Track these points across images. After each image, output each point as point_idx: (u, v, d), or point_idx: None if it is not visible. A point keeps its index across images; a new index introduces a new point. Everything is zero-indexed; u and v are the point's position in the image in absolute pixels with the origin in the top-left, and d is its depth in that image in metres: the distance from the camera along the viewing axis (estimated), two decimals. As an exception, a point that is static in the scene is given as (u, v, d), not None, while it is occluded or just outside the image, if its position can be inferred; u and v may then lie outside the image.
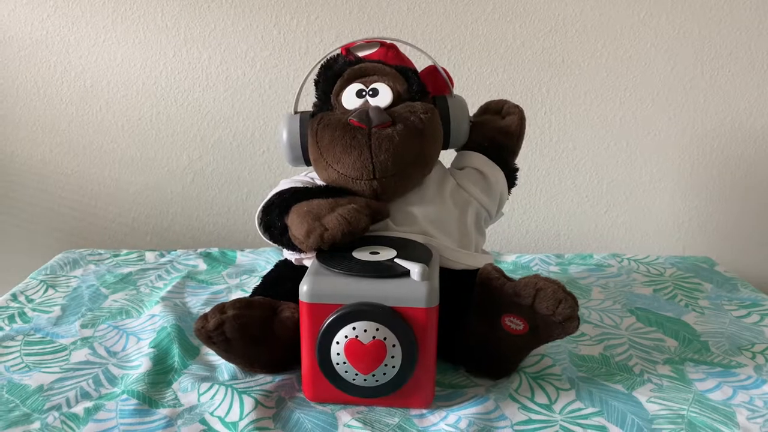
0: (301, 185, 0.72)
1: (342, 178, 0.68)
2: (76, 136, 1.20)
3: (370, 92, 0.70)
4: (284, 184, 0.73)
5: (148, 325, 0.80)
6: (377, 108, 0.68)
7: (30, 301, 0.87)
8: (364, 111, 0.67)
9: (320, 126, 0.69)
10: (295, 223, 0.64)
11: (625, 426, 0.60)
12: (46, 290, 0.91)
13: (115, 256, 1.07)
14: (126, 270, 1.00)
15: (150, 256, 1.07)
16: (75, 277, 0.97)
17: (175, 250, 1.10)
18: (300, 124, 0.72)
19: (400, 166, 0.67)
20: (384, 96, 0.70)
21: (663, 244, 1.26)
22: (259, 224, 0.72)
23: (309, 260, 0.72)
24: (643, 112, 1.20)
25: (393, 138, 0.66)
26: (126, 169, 1.22)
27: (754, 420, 0.60)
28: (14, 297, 0.88)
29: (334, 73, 0.73)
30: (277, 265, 0.80)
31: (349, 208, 0.62)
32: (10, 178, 1.22)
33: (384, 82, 0.71)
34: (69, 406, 0.62)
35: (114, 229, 1.25)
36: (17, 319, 0.81)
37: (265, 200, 0.72)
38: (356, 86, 0.71)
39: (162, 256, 1.07)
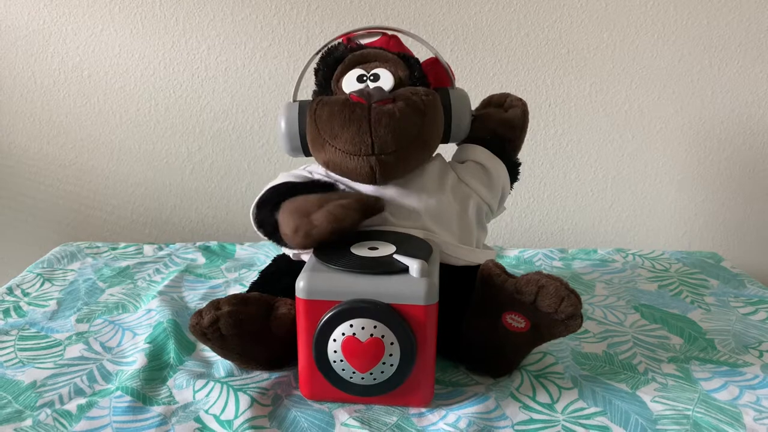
0: (298, 180, 0.71)
1: (339, 154, 0.66)
2: (74, 127, 1.19)
3: (372, 77, 0.69)
4: (281, 178, 0.72)
5: (145, 319, 0.79)
6: (378, 87, 0.67)
7: (26, 294, 0.86)
8: (364, 88, 0.66)
9: (319, 105, 0.67)
10: (285, 219, 0.63)
11: (629, 426, 0.58)
12: (42, 284, 0.90)
13: (113, 249, 1.06)
14: (124, 263, 0.99)
15: (148, 249, 1.06)
16: (72, 270, 0.96)
17: (174, 244, 1.09)
18: (299, 113, 0.71)
19: (399, 143, 0.65)
20: (385, 81, 0.69)
21: (668, 238, 1.25)
22: (254, 220, 0.71)
23: (307, 255, 0.71)
24: (649, 105, 1.18)
25: (393, 114, 0.64)
26: (124, 161, 1.21)
27: (761, 421, 0.59)
28: (10, 290, 0.87)
29: (334, 60, 0.72)
30: (275, 260, 0.79)
31: (338, 204, 0.60)
32: (8, 170, 1.21)
33: (385, 68, 0.70)
34: (62, 402, 0.61)
35: (112, 222, 1.24)
36: (12, 313, 0.80)
37: (259, 195, 0.71)
38: (357, 71, 0.70)
39: (160, 249, 1.06)
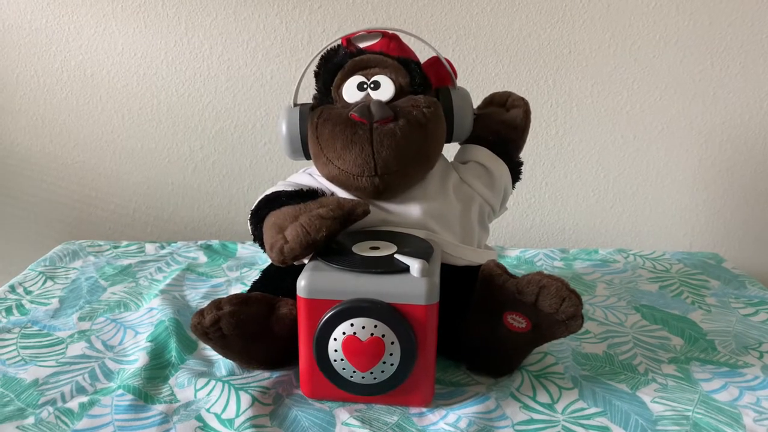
0: (291, 188, 0.70)
1: (343, 174, 0.67)
2: (77, 126, 1.19)
3: (372, 85, 0.69)
4: (278, 186, 0.72)
5: (146, 318, 0.79)
6: (379, 102, 0.66)
7: (28, 292, 0.87)
8: (365, 105, 0.66)
9: (320, 120, 0.67)
10: (265, 235, 0.63)
11: (629, 427, 0.58)
12: (44, 282, 0.91)
13: (115, 247, 1.06)
14: (126, 262, 0.99)
15: (150, 248, 1.06)
16: (74, 268, 0.96)
17: (176, 242, 1.09)
18: (299, 117, 0.71)
19: (402, 163, 0.65)
20: (386, 89, 0.68)
21: (670, 239, 1.25)
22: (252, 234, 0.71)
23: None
24: (651, 105, 1.18)
25: (395, 134, 0.64)
26: (126, 160, 1.21)
27: (761, 422, 0.59)
28: (12, 288, 0.87)
29: (334, 65, 0.71)
30: (276, 259, 0.79)
31: (312, 215, 0.59)
32: (10, 169, 1.21)
33: (386, 75, 0.69)
34: (64, 400, 0.62)
35: (114, 221, 1.25)
36: (14, 311, 0.81)
37: (252, 207, 0.71)
38: (357, 79, 0.69)
39: (162, 248, 1.07)
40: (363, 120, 0.64)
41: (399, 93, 0.68)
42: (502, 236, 1.26)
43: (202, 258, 1.02)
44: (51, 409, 0.60)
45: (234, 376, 0.65)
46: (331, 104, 0.70)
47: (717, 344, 0.75)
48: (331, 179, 0.69)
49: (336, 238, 0.62)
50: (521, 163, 0.78)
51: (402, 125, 0.65)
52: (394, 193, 0.68)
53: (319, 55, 0.74)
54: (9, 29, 1.14)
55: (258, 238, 0.69)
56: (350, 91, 0.69)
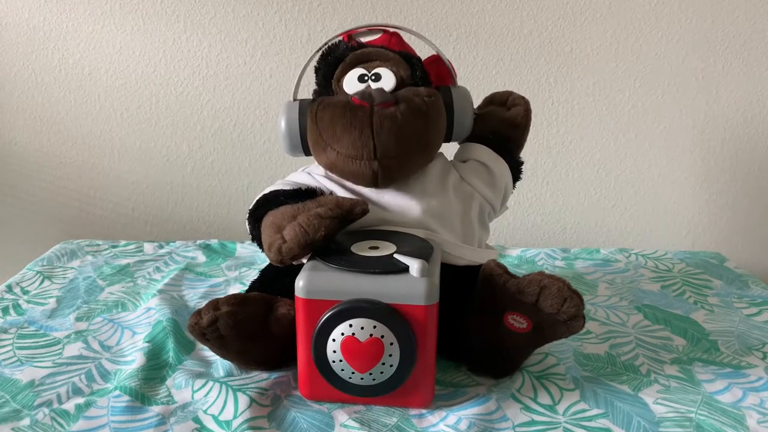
0: (290, 187, 0.70)
1: (341, 158, 0.65)
2: (75, 124, 1.19)
3: (373, 77, 0.68)
4: (276, 185, 0.71)
5: (144, 318, 0.79)
6: (380, 88, 0.66)
7: (25, 292, 0.86)
8: (366, 91, 0.65)
9: (320, 107, 0.66)
10: (263, 234, 0.63)
11: (631, 428, 0.58)
12: (42, 282, 0.90)
13: (114, 247, 1.06)
14: (124, 261, 0.99)
15: (148, 247, 1.06)
16: (72, 268, 0.96)
17: (174, 242, 1.09)
18: (299, 112, 0.70)
19: (402, 147, 0.64)
20: (387, 81, 0.68)
21: (672, 238, 1.24)
22: (249, 234, 0.71)
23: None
24: (653, 104, 1.17)
25: (396, 117, 0.63)
26: (125, 159, 1.21)
27: (765, 424, 0.58)
28: (9, 288, 0.87)
29: (335, 58, 0.71)
30: (275, 259, 0.78)
31: (310, 215, 0.58)
32: (8, 168, 1.20)
33: (387, 67, 0.68)
34: (60, 402, 0.61)
35: (113, 220, 1.24)
36: (11, 311, 0.80)
37: (250, 206, 0.70)
38: (358, 71, 0.69)
39: (161, 247, 1.06)
40: (363, 103, 0.64)
41: (400, 85, 0.68)
42: (502, 235, 1.25)
43: (201, 257, 1.01)
44: (47, 410, 0.59)
45: (232, 377, 0.65)
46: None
47: (720, 345, 0.74)
48: (330, 166, 0.68)
49: (335, 237, 0.61)
50: (522, 162, 0.78)
51: (403, 109, 0.64)
52: (392, 181, 0.67)
53: (320, 51, 0.73)
54: (6, 27, 1.13)
55: (256, 237, 0.68)
56: (351, 84, 0.69)
